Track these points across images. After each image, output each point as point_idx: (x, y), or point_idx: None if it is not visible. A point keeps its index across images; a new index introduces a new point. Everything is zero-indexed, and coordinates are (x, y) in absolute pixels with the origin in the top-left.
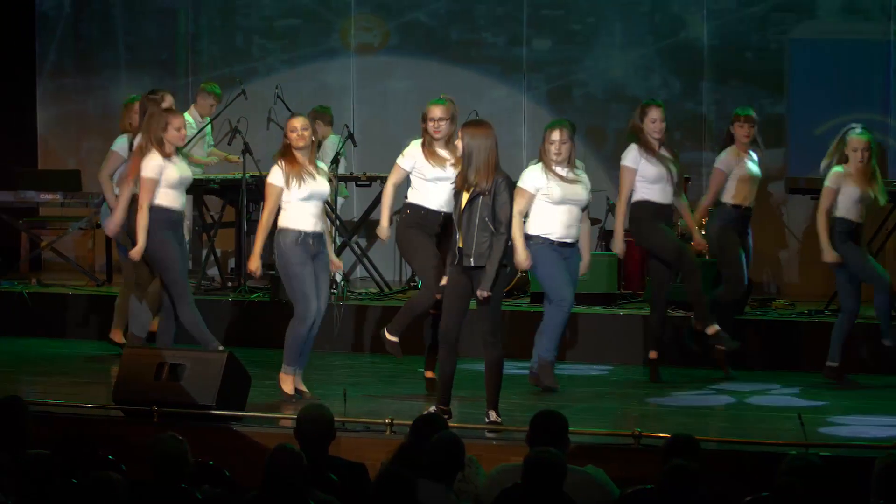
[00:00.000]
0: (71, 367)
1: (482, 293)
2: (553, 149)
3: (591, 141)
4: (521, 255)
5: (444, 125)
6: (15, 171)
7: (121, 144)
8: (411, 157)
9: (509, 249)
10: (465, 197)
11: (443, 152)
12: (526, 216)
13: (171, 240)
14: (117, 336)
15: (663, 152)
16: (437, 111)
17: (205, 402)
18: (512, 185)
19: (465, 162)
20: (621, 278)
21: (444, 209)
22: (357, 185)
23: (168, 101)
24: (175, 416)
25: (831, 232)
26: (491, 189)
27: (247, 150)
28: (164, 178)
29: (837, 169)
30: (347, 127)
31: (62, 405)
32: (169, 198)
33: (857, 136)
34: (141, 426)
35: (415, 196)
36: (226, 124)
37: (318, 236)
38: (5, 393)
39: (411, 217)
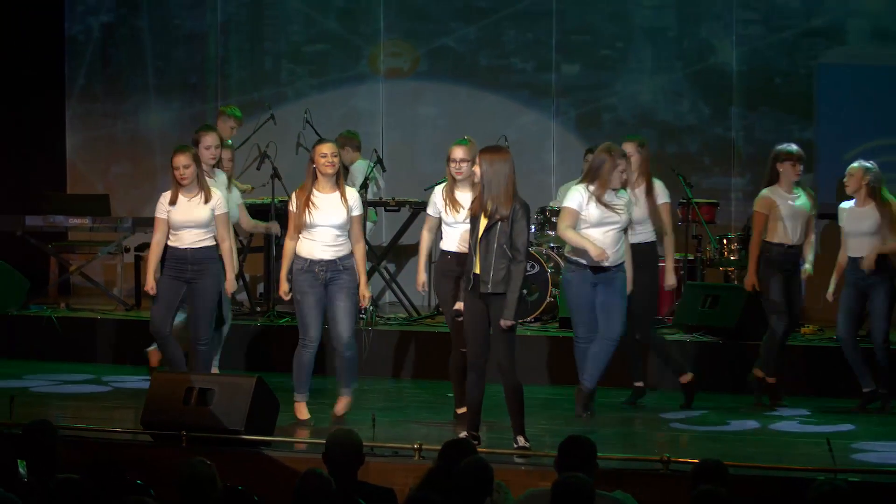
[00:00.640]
0: (100, 392)
1: (506, 323)
2: (618, 171)
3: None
4: (595, 251)
5: (465, 166)
6: (44, 196)
7: None
8: (433, 203)
9: (528, 277)
10: (483, 223)
11: (464, 195)
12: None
13: (166, 276)
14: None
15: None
16: (458, 152)
17: (233, 427)
18: (529, 213)
19: (482, 188)
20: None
21: (453, 249)
22: (386, 211)
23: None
24: (204, 440)
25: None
26: (509, 216)
27: (275, 174)
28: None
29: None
30: (376, 152)
31: (91, 429)
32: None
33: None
34: (169, 450)
35: (442, 241)
36: (254, 149)
37: (328, 263)
38: (35, 417)
39: (439, 263)
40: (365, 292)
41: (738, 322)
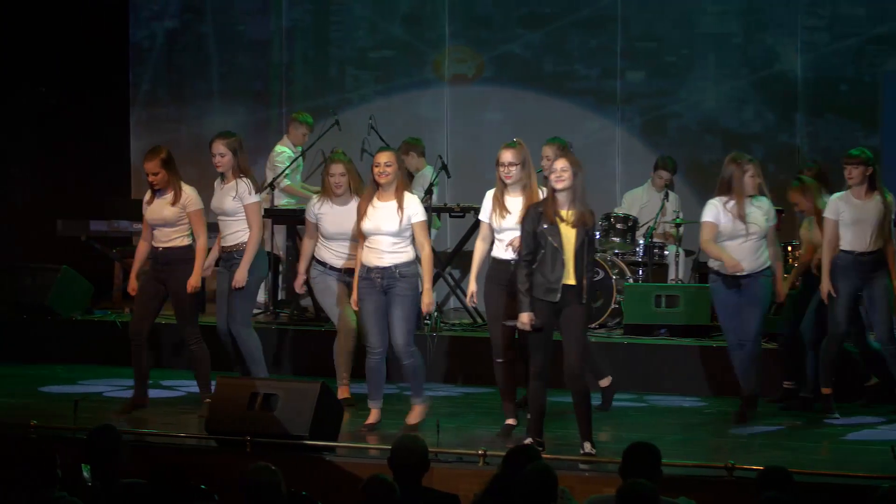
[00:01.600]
0: (164, 396)
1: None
2: (748, 177)
3: (684, 173)
4: (729, 262)
5: (514, 170)
6: (108, 201)
7: None
8: (484, 209)
9: (593, 284)
10: (570, 232)
11: (513, 200)
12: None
13: (146, 277)
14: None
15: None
16: (507, 155)
17: (298, 433)
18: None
19: (571, 195)
20: (714, 311)
21: (508, 257)
22: (451, 216)
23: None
24: (268, 446)
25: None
26: (592, 225)
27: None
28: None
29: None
30: (441, 158)
31: (156, 434)
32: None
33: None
34: (234, 456)
35: (493, 248)
36: (319, 155)
37: (384, 271)
38: (99, 422)
39: (489, 271)
40: (426, 299)
41: (814, 328)
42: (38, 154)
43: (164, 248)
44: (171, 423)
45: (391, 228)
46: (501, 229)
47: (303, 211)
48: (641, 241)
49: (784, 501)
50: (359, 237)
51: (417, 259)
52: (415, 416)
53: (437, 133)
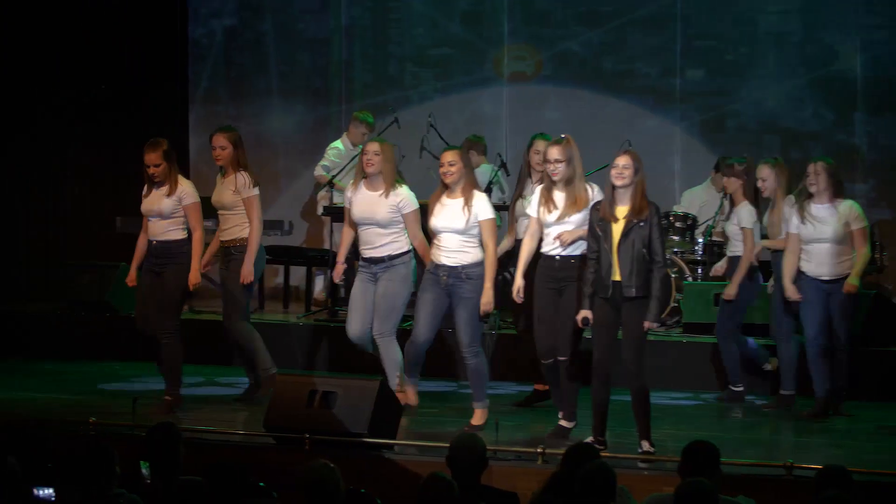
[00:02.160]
0: (223, 394)
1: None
2: (808, 181)
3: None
4: (789, 290)
5: (560, 167)
6: None
7: None
8: (532, 205)
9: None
10: (618, 228)
11: (560, 195)
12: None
13: (143, 271)
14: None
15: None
16: (553, 152)
17: (357, 430)
18: (661, 216)
19: (631, 191)
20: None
21: (555, 252)
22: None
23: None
24: (327, 443)
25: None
26: (647, 219)
27: (399, 178)
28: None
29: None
30: (500, 156)
31: (215, 432)
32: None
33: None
34: (293, 453)
35: (542, 244)
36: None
37: (451, 270)
38: (159, 419)
39: (538, 268)
40: (485, 297)
41: (863, 328)
42: (98, 151)
43: (158, 241)
44: (230, 421)
45: (458, 226)
46: (548, 224)
47: None
48: (700, 240)
49: (843, 500)
50: (350, 222)
51: None
52: (477, 419)
53: (496, 131)
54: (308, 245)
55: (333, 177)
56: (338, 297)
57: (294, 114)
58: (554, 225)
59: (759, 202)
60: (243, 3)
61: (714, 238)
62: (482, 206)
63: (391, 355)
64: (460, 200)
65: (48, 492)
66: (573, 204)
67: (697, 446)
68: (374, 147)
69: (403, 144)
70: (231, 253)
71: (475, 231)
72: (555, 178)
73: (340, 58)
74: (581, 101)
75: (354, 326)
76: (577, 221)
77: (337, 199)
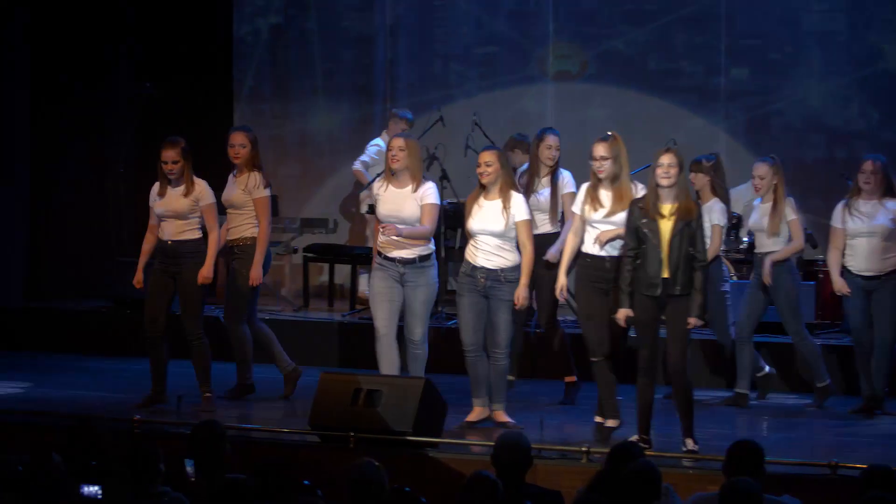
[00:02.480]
0: (267, 392)
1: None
2: (862, 178)
3: (787, 171)
4: (837, 284)
5: (606, 164)
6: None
7: None
8: (577, 201)
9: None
10: (667, 226)
11: (606, 193)
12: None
13: (154, 271)
14: None
15: None
16: (599, 149)
17: (401, 429)
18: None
19: (675, 190)
20: (818, 307)
21: (605, 254)
22: None
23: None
24: (372, 441)
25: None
26: (696, 218)
27: (444, 176)
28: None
29: None
30: None
31: (259, 430)
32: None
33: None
34: (337, 451)
35: (583, 243)
36: (423, 151)
37: (489, 272)
38: (204, 417)
39: (578, 268)
40: (520, 293)
41: None
42: (144, 149)
43: (173, 241)
44: (275, 419)
45: (496, 228)
46: (592, 222)
47: None
48: (745, 239)
49: (889, 500)
50: (466, 236)
51: None
52: (501, 417)
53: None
54: (352, 243)
55: (374, 179)
56: None
57: (339, 112)
58: (600, 223)
59: (729, 200)
60: (289, 1)
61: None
62: (520, 208)
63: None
64: (498, 202)
65: (95, 489)
66: (619, 201)
67: (742, 445)
68: (398, 143)
69: (448, 143)
70: (235, 252)
71: (513, 234)
72: (601, 176)
73: (385, 56)
74: (625, 100)
75: (385, 324)
76: (622, 220)
77: None
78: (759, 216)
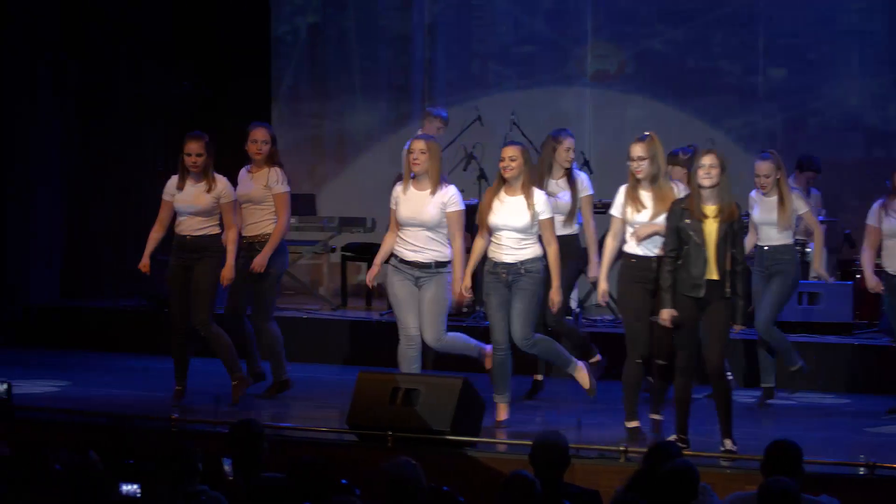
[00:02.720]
0: (305, 391)
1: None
2: None
3: (825, 171)
4: (871, 282)
5: (644, 164)
6: None
7: None
8: (616, 204)
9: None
10: (713, 227)
11: (646, 194)
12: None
13: (172, 266)
14: None
15: None
16: (637, 149)
17: (439, 428)
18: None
19: (717, 190)
20: (856, 307)
21: (650, 254)
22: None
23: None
24: (409, 440)
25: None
26: (737, 220)
27: (482, 176)
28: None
29: None
30: (583, 154)
31: (297, 428)
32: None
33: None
34: (375, 451)
35: (626, 243)
36: (461, 150)
37: (509, 267)
38: (240, 416)
39: (622, 269)
40: (554, 297)
41: None
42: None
43: (192, 236)
44: (312, 418)
45: (518, 224)
46: (634, 223)
47: None
48: None
49: None
50: (395, 226)
51: (545, 255)
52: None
53: (579, 129)
54: None
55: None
56: None
57: (377, 111)
58: (636, 225)
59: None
60: (327, 0)
61: (796, 237)
62: (543, 206)
63: (458, 344)
64: (521, 198)
65: (133, 488)
66: (661, 202)
67: (780, 445)
68: (419, 145)
69: (486, 142)
70: (255, 248)
71: (535, 230)
72: (639, 176)
73: (423, 55)
74: (663, 100)
75: (412, 324)
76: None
77: None
78: (764, 210)
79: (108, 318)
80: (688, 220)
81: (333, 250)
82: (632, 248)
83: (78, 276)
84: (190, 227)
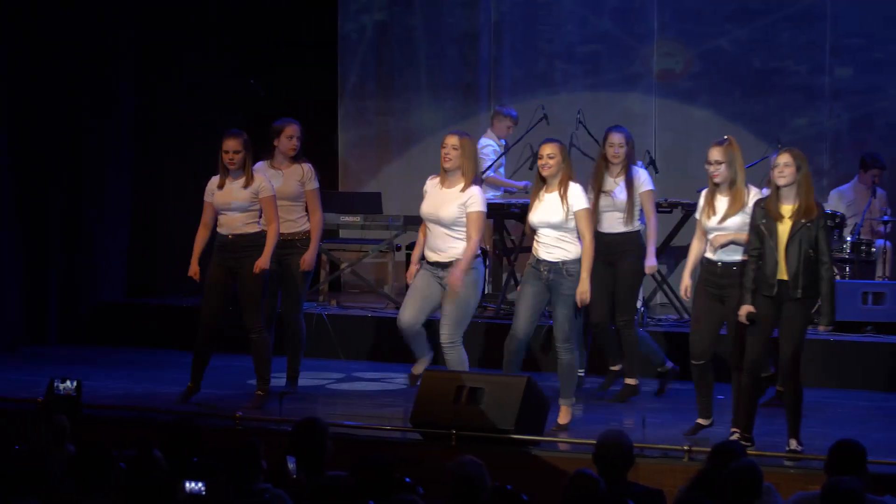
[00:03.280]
0: (369, 390)
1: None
2: None
3: (892, 169)
4: None
5: (721, 168)
6: None
7: None
8: (698, 206)
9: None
10: (785, 227)
11: (722, 198)
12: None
13: (212, 261)
14: None
15: None
16: (714, 153)
17: (503, 427)
18: (826, 217)
19: (795, 189)
20: None
21: (717, 258)
22: (658, 212)
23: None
24: (473, 439)
25: None
26: (815, 220)
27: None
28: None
29: None
30: (649, 153)
31: (361, 427)
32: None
33: None
34: (439, 449)
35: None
36: (527, 148)
37: (551, 265)
38: (304, 414)
39: (700, 273)
40: (581, 287)
41: None
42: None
43: (234, 235)
44: (376, 416)
45: (553, 220)
46: (708, 228)
47: (509, 205)
48: (849, 238)
49: None
50: (527, 230)
51: None
52: (564, 416)
53: (646, 128)
54: None
55: (483, 171)
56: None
57: (442, 109)
58: (714, 229)
59: None
60: None
61: (862, 237)
62: (577, 198)
63: (460, 360)
64: (556, 194)
65: (199, 486)
66: (732, 206)
67: (844, 445)
68: (452, 141)
69: None
70: (296, 245)
71: (572, 224)
72: (716, 181)
73: (489, 53)
74: (729, 99)
75: (408, 315)
76: (735, 225)
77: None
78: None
79: (174, 316)
80: (764, 220)
81: (399, 249)
82: (708, 253)
83: (144, 273)
84: (231, 226)
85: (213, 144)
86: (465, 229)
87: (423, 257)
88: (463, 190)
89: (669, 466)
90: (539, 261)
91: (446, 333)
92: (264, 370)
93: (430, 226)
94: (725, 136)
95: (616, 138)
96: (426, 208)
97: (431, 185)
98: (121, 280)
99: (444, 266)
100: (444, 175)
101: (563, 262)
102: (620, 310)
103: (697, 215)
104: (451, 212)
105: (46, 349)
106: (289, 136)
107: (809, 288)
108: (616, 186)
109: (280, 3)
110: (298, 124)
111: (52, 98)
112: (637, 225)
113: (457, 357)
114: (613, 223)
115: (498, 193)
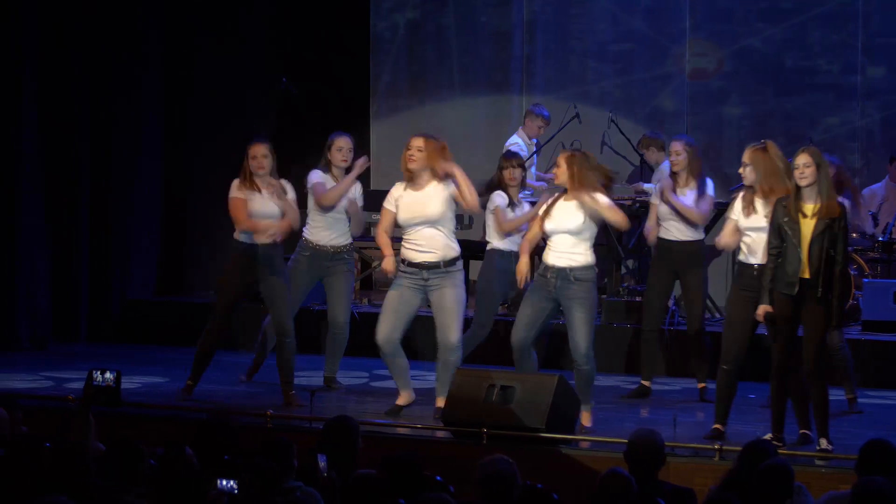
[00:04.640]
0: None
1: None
2: None
3: None
4: None
5: (748, 171)
6: None
7: None
8: (736, 207)
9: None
10: (809, 225)
11: (760, 200)
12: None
13: (233, 262)
14: None
15: None
16: (746, 156)
17: (534, 425)
18: (848, 218)
19: (816, 188)
20: None
21: (753, 261)
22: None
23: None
24: (504, 437)
25: None
26: (837, 220)
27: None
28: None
29: None
30: None
31: (391, 425)
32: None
33: None
34: (469, 447)
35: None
36: (559, 148)
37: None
38: (335, 412)
39: (736, 276)
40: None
41: None
42: (277, 144)
43: (264, 244)
44: (406, 414)
45: (572, 225)
46: (745, 229)
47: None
48: (881, 237)
49: None
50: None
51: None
52: (586, 419)
53: (678, 127)
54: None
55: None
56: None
57: (475, 108)
58: (752, 230)
59: None
60: None
61: (894, 236)
62: (599, 196)
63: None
64: (573, 203)
65: (231, 483)
66: (768, 207)
67: (875, 444)
68: (417, 142)
69: (584, 140)
70: (345, 258)
71: (588, 233)
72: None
73: (522, 52)
74: (762, 98)
75: (384, 329)
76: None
77: None
78: None
79: (204, 314)
80: (786, 219)
81: None
82: (742, 255)
83: (174, 272)
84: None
85: (244, 143)
86: (452, 226)
87: (400, 262)
88: (439, 183)
89: (700, 465)
90: (547, 267)
91: (452, 338)
92: (290, 375)
93: (413, 231)
94: (763, 141)
95: (673, 146)
96: (407, 214)
97: (400, 193)
98: (151, 278)
99: (430, 268)
100: (412, 178)
101: (571, 269)
102: (689, 320)
103: (732, 214)
104: (439, 207)
105: (76, 347)
106: (339, 148)
107: (828, 288)
108: (682, 195)
109: (313, 2)
110: (349, 136)
111: (80, 93)
112: (702, 233)
113: (455, 361)
114: (674, 231)
115: (527, 193)
